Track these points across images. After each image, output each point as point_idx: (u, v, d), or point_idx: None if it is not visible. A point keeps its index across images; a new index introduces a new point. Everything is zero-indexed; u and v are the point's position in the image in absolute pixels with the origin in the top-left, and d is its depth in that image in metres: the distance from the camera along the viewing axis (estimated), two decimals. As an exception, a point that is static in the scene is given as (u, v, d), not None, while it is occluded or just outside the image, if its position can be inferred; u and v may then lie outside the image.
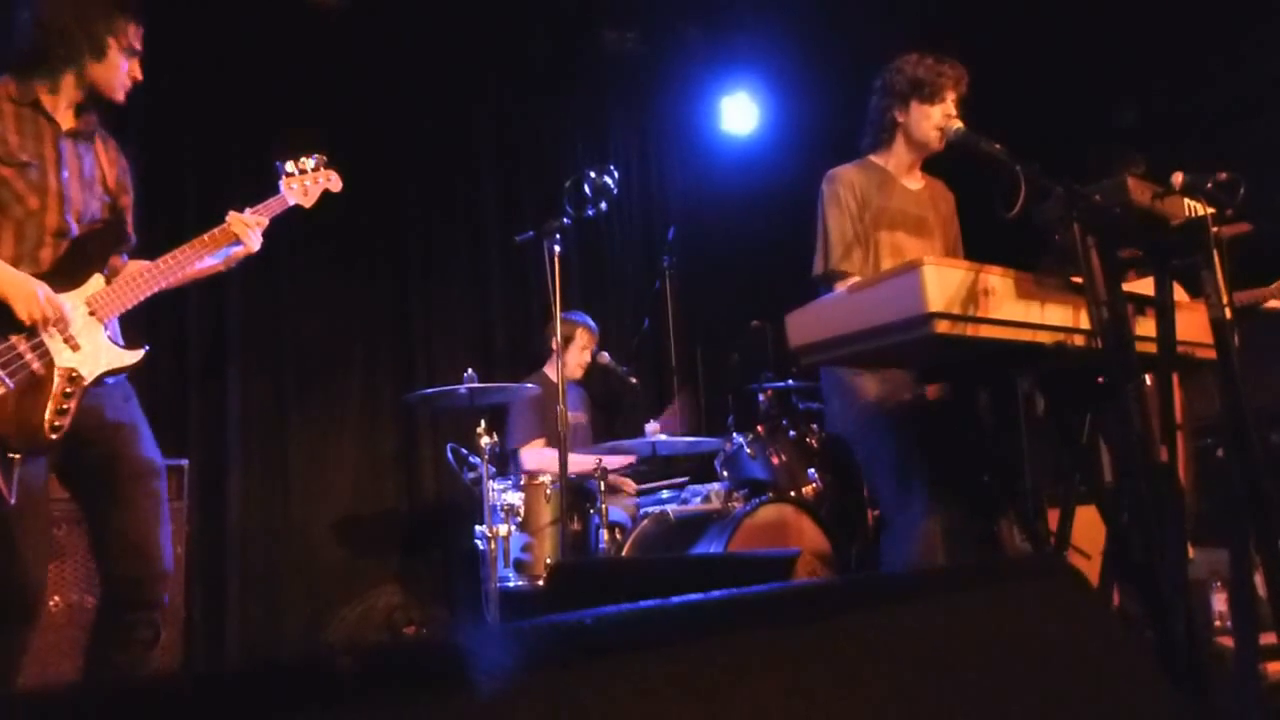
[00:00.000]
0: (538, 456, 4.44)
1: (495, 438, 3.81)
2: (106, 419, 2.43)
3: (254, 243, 2.66)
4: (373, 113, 5.01)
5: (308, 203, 2.83)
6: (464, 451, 4.18)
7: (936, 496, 2.77)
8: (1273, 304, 3.91)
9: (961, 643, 1.06)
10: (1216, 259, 2.14)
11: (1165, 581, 2.05)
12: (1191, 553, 3.39)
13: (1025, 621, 1.16)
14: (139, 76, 2.58)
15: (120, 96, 2.56)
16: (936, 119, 2.92)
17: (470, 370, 3.88)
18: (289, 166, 2.81)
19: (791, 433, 4.20)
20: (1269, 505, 2.15)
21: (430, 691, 0.64)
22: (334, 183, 2.88)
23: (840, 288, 2.82)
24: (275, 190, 2.78)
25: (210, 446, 4.38)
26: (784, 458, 4.12)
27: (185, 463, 3.72)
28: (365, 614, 4.56)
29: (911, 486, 2.79)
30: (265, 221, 2.69)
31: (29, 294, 2.29)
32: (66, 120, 2.50)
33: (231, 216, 2.65)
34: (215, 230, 2.62)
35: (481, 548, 3.86)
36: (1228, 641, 2.82)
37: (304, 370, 4.72)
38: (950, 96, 2.93)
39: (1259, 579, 2.17)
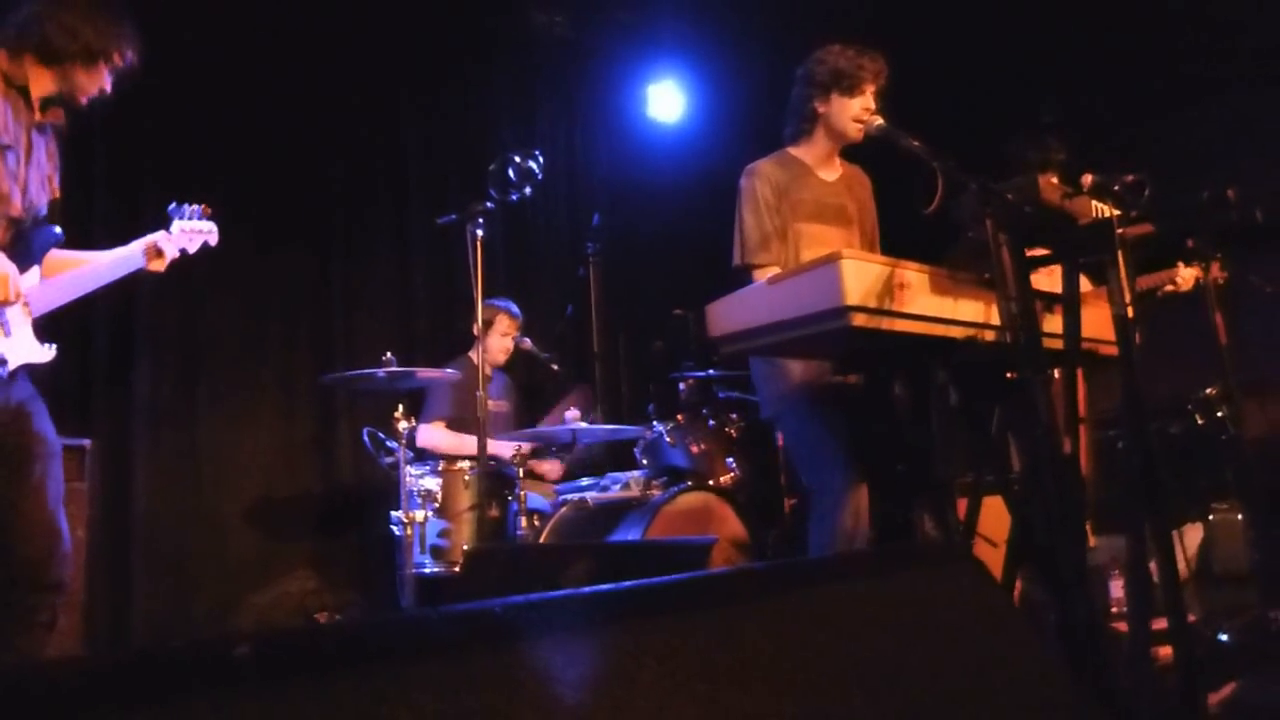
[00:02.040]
0: (430, 435, 4.40)
1: (413, 422, 3.77)
2: (10, 400, 2.42)
3: (161, 269, 2.72)
4: (294, 90, 4.89)
5: (192, 249, 2.85)
6: (381, 436, 4.12)
7: (857, 482, 2.83)
8: (1170, 288, 4.06)
9: (868, 627, 1.09)
10: (1121, 259, 2.22)
11: (1066, 568, 2.13)
12: (1092, 541, 3.52)
13: (930, 606, 1.20)
14: (107, 89, 2.61)
15: (83, 103, 2.59)
16: (855, 111, 2.97)
17: (389, 354, 3.83)
18: (181, 211, 2.83)
19: (711, 422, 4.23)
20: (1164, 495, 2.24)
21: (330, 678, 0.63)
22: (212, 237, 2.89)
23: (757, 279, 2.85)
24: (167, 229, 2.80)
25: (116, 427, 4.24)
26: (703, 446, 4.15)
27: (87, 443, 3.61)
28: (277, 600, 4.47)
29: (834, 471, 2.84)
30: (175, 252, 2.74)
31: (2, 276, 2.32)
32: (35, 110, 2.53)
33: (158, 238, 2.71)
34: (133, 247, 2.67)
35: (398, 533, 3.82)
36: (1124, 626, 2.93)
37: (216, 350, 4.60)
38: (869, 89, 2.98)
39: (1154, 566, 2.25)
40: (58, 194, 2.64)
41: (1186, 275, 4.05)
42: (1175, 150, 5.21)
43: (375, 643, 0.68)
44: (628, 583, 0.91)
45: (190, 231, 2.83)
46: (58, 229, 2.60)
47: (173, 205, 2.82)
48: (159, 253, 2.68)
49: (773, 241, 2.96)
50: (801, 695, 0.90)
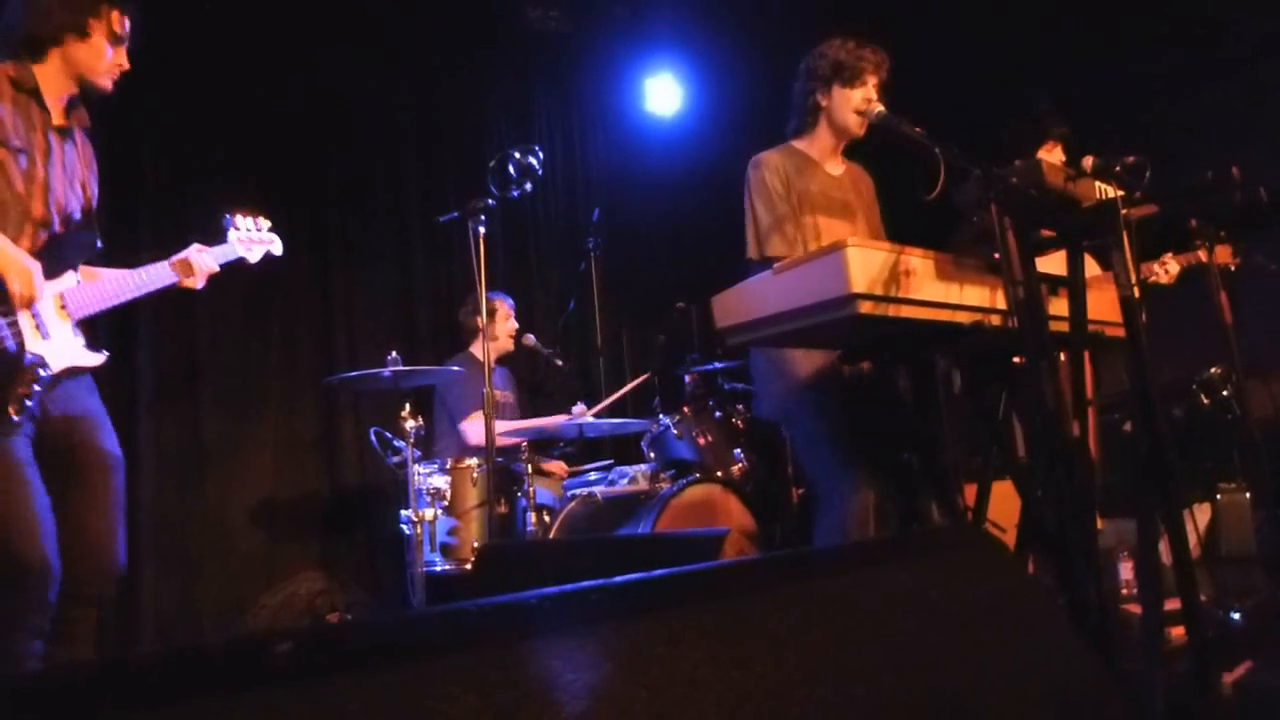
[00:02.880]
0: (479, 428, 4.38)
1: (420, 420, 3.77)
2: (72, 411, 2.43)
3: (200, 283, 2.75)
4: (293, 89, 4.89)
5: (252, 258, 2.97)
6: (388, 435, 4.13)
7: (866, 472, 2.83)
8: (1156, 279, 4.07)
9: (887, 612, 1.09)
10: (1125, 240, 2.22)
11: (1076, 551, 2.13)
12: (1100, 524, 3.53)
13: (947, 590, 1.20)
14: (125, 65, 2.59)
15: (107, 84, 2.57)
16: (857, 102, 2.97)
17: (394, 352, 3.83)
18: (238, 221, 2.95)
19: (717, 413, 4.24)
20: (1173, 477, 2.25)
21: (370, 675, 0.64)
22: (276, 246, 3.04)
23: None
24: (223, 240, 2.90)
25: (120, 429, 4.21)
26: (710, 438, 4.16)
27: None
28: (287, 601, 4.48)
29: (842, 463, 2.84)
30: (216, 268, 2.79)
31: (25, 271, 2.31)
32: (56, 113, 2.51)
33: (197, 247, 2.75)
34: (175, 261, 2.70)
35: (407, 532, 3.83)
36: (1135, 609, 2.94)
37: (219, 351, 4.59)
38: (871, 80, 2.98)
39: (1164, 548, 2.26)
40: (93, 199, 2.62)
41: (1172, 268, 4.07)
42: (1175, 132, 5.21)
43: (414, 638, 0.68)
44: (655, 571, 0.91)
45: (250, 241, 2.91)
46: (95, 235, 2.60)
47: (227, 216, 2.90)
48: (189, 268, 2.70)
49: (787, 228, 2.96)
50: (827, 680, 0.90)
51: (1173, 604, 2.30)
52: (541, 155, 3.88)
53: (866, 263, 2.08)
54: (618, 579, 0.85)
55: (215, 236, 2.92)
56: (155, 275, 2.64)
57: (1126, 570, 3.85)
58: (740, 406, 4.29)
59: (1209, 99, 5.30)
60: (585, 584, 0.82)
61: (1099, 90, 5.29)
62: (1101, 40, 5.42)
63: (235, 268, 3.16)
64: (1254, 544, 4.35)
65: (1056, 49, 5.46)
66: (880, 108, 2.88)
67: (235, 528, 4.52)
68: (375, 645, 0.66)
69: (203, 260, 2.73)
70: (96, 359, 2.50)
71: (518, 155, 3.82)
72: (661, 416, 4.25)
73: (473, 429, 4.37)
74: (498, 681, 0.68)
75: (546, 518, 3.96)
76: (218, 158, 4.63)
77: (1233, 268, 3.89)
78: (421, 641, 0.67)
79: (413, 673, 0.65)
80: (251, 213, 3.01)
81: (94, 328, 2.59)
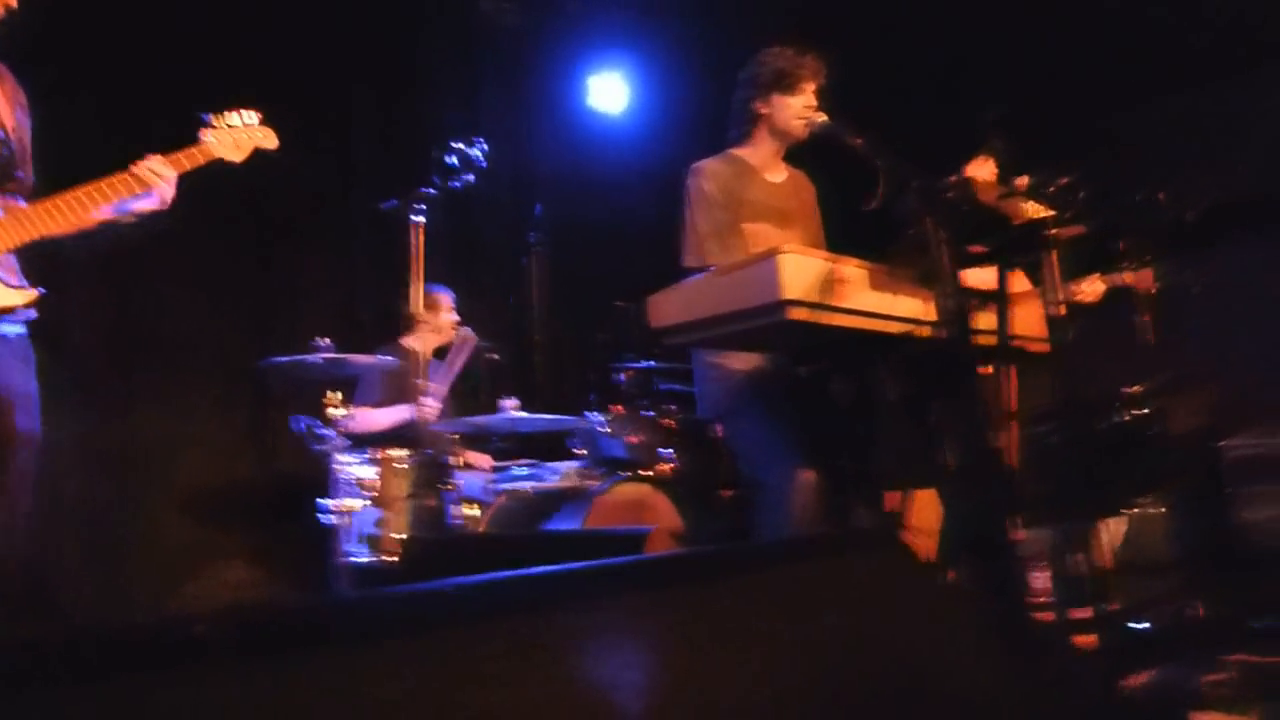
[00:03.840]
0: (364, 418, 4.35)
1: (348, 409, 3.73)
2: None
3: (165, 193, 2.46)
4: (235, 67, 4.79)
5: (239, 157, 2.68)
6: (314, 423, 4.07)
7: (807, 476, 2.87)
8: (1083, 297, 4.19)
9: (805, 611, 1.12)
10: (1054, 259, 2.29)
11: (995, 558, 2.19)
12: (1020, 533, 3.61)
13: (864, 589, 1.23)
14: (10, 2, 2.37)
15: None
16: (797, 109, 3.02)
17: (326, 339, 3.78)
18: (216, 119, 2.66)
19: (650, 413, 4.26)
20: (1090, 489, 2.33)
21: (291, 658, 0.64)
22: (269, 139, 2.76)
23: None
24: (194, 140, 2.57)
25: (44, 412, 4.11)
26: (641, 437, 4.18)
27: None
28: (211, 590, 4.40)
29: (784, 466, 2.88)
30: (174, 174, 2.50)
31: None
32: None
33: (137, 165, 2.45)
34: (117, 176, 2.41)
35: (330, 523, 3.78)
36: (1049, 616, 3.03)
37: (151, 334, 4.48)
38: (809, 87, 3.03)
39: (1080, 558, 2.33)
40: (27, 130, 2.42)
41: (1098, 288, 4.18)
42: (1118, 150, 5.35)
43: (334, 624, 0.68)
44: (572, 564, 0.93)
45: (235, 140, 2.57)
46: (22, 169, 2.39)
47: (204, 115, 2.60)
48: (134, 183, 2.41)
49: (725, 236, 2.99)
50: (744, 674, 0.93)
51: (1086, 612, 2.38)
52: (485, 147, 3.86)
53: (800, 270, 2.11)
54: (532, 569, 0.86)
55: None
56: (90, 197, 2.35)
57: (1044, 578, 3.95)
58: (673, 407, 4.32)
59: (1158, 114, 5.45)
60: (499, 574, 0.83)
61: (1043, 104, 5.41)
62: (1048, 55, 5.55)
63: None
64: (1166, 554, 4.50)
65: (1005, 58, 5.57)
66: (823, 117, 2.92)
67: (162, 515, 4.42)
68: (300, 629, 0.67)
69: (150, 171, 2.43)
70: (19, 297, 2.28)
71: (461, 146, 3.80)
72: (594, 414, 4.26)
73: (361, 417, 4.31)
74: (417, 669, 0.68)
75: (475, 512, 3.94)
76: (158, 133, 4.51)
77: (1153, 291, 4.02)
78: (343, 627, 0.68)
79: (334, 658, 0.66)
80: (236, 107, 2.68)
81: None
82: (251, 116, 2.73)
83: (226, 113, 2.68)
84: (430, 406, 4.09)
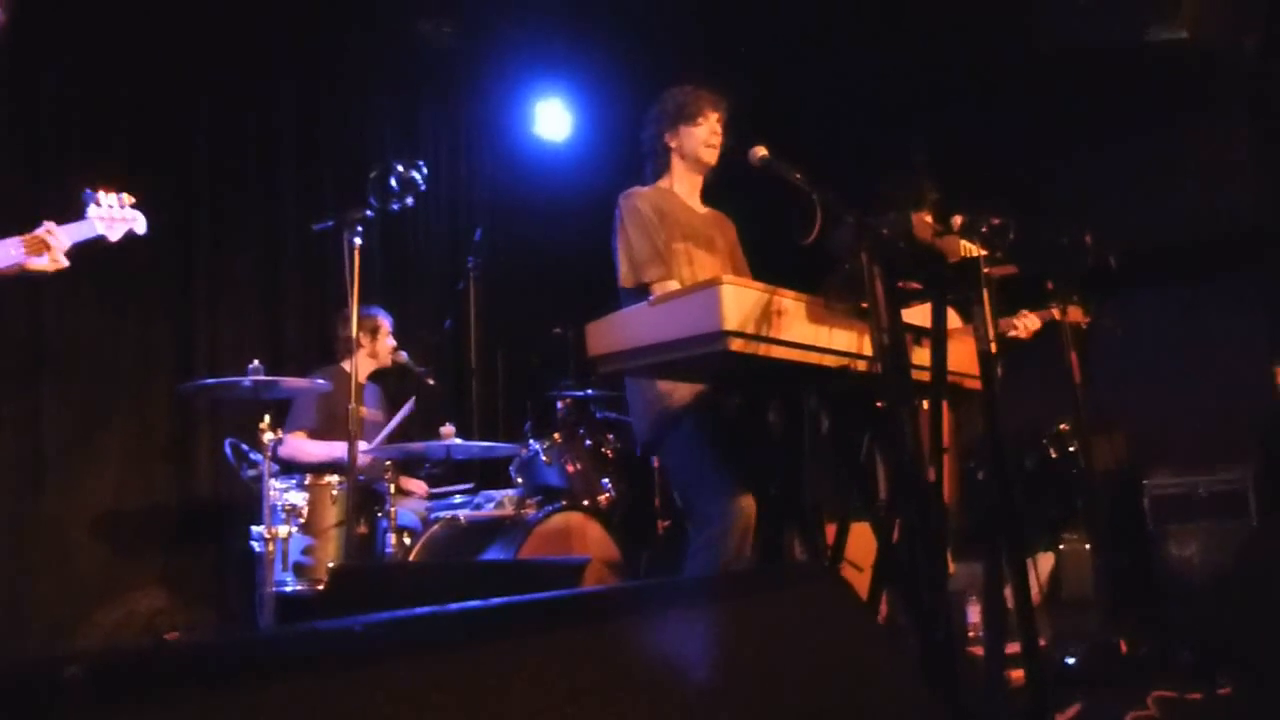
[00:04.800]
0: (292, 446, 4.28)
1: (279, 434, 3.64)
2: None
3: (62, 260, 2.60)
4: (162, 73, 4.70)
5: (113, 236, 2.82)
6: (244, 447, 3.97)
7: (742, 507, 2.86)
8: (1014, 333, 4.28)
9: (738, 646, 1.10)
10: (986, 297, 2.32)
11: (927, 592, 2.19)
12: (952, 567, 3.65)
13: (798, 625, 1.21)
14: None
15: None
16: (703, 136, 3.16)
17: (256, 361, 3.69)
18: (100, 197, 2.81)
19: (588, 441, 4.23)
20: (1019, 525, 2.35)
21: (170, 703, 0.59)
22: (139, 224, 2.90)
23: (656, 291, 2.89)
24: (81, 216, 2.74)
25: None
26: (579, 466, 4.15)
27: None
28: (125, 618, 4.23)
29: (719, 496, 2.87)
30: (68, 245, 2.64)
31: None
32: None
33: (49, 226, 2.58)
34: (29, 235, 2.53)
35: (258, 549, 3.68)
36: (980, 650, 3.05)
37: (66, 349, 4.32)
38: (712, 115, 3.17)
39: (1009, 592, 2.35)
40: None
41: (1031, 323, 4.27)
42: (1047, 195, 5.49)
43: (221, 663, 0.64)
44: (496, 600, 0.89)
45: (111, 218, 2.73)
46: None
47: (87, 190, 2.72)
48: (40, 245, 2.52)
49: (663, 255, 3.00)
50: (670, 715, 0.90)
51: (1014, 647, 2.39)
52: (425, 170, 3.82)
53: (739, 301, 2.11)
54: (454, 605, 0.83)
55: (72, 217, 2.76)
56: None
57: (975, 613, 3.99)
58: (611, 436, 4.30)
59: (1080, 162, 5.61)
60: (419, 610, 0.80)
61: (974, 148, 5.54)
62: (980, 100, 5.68)
63: (92, 254, 2.98)
64: (1092, 590, 4.58)
65: (935, 104, 5.70)
66: (763, 150, 2.95)
67: (74, 538, 4.24)
68: (178, 671, 0.62)
69: (56, 238, 2.57)
70: None
71: (400, 168, 3.76)
72: (531, 442, 4.22)
73: (288, 444, 4.24)
74: (317, 713, 0.64)
75: (408, 540, 3.88)
76: (77, 143, 4.39)
77: (1083, 325, 4.11)
78: (230, 667, 0.63)
79: (219, 701, 0.61)
80: (114, 188, 2.86)
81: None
82: (126, 199, 2.89)
83: (106, 192, 2.83)
84: (367, 454, 4.03)
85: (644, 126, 3.27)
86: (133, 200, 2.85)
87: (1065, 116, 5.58)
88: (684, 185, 3.24)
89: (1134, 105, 5.49)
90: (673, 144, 3.20)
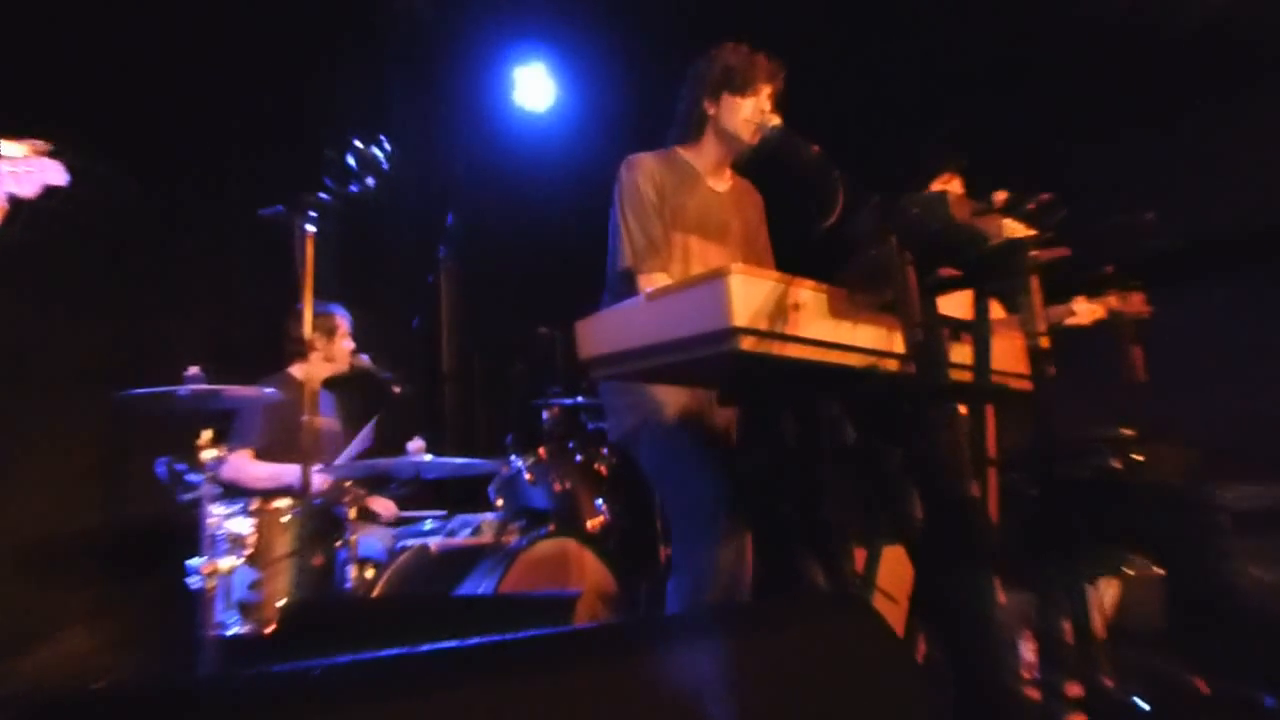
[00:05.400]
0: (235, 467, 4.29)
1: (221, 452, 3.65)
2: None
3: None
4: (93, 47, 4.71)
5: (25, 191, 2.75)
6: (180, 467, 3.97)
7: (736, 529, 2.87)
8: (1072, 320, 4.28)
9: (752, 689, 1.10)
10: (1034, 284, 2.32)
11: (971, 627, 2.20)
12: (1000, 597, 3.65)
13: (824, 664, 1.22)
14: None
15: None
16: (748, 112, 3.08)
17: (196, 368, 3.70)
18: (3, 147, 2.72)
19: (578, 457, 4.24)
20: (1077, 546, 2.35)
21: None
22: (56, 174, 2.79)
23: (644, 287, 2.89)
24: None
25: None
26: (569, 485, 4.16)
27: None
28: (47, 663, 4.25)
29: (708, 513, 2.88)
30: None
31: None
32: None
33: None
34: None
35: (197, 585, 3.68)
36: (1035, 694, 3.05)
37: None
38: (765, 90, 3.09)
39: (1068, 625, 2.35)
40: None
41: (1083, 309, 4.28)
42: (1090, 173, 5.48)
43: (156, 715, 0.65)
44: (475, 639, 0.90)
45: (18, 174, 2.66)
46: None
47: None
48: None
49: (662, 246, 3.01)
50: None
51: (1076, 688, 2.39)
52: (389, 147, 3.83)
53: (750, 293, 2.11)
54: (425, 647, 0.83)
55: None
56: None
57: (1028, 650, 3.99)
58: (605, 450, 4.30)
59: (1130, 142, 5.61)
60: (385, 652, 0.80)
61: (1009, 126, 5.54)
62: (1014, 71, 5.69)
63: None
64: (1164, 621, 4.57)
65: (966, 78, 5.70)
66: (776, 121, 2.96)
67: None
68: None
69: None
70: None
71: (360, 145, 3.78)
72: (513, 458, 4.22)
73: (230, 464, 4.24)
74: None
75: (371, 572, 3.88)
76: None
77: (1146, 316, 4.12)
78: (172, 719, 0.64)
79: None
80: (22, 136, 2.76)
81: None
82: (38, 146, 2.78)
83: (11, 141, 2.74)
84: (323, 474, 4.04)
85: (683, 84, 3.22)
86: (45, 147, 2.73)
87: (1102, 103, 5.59)
88: (709, 158, 3.22)
89: (1179, 88, 5.50)
90: (712, 112, 3.16)
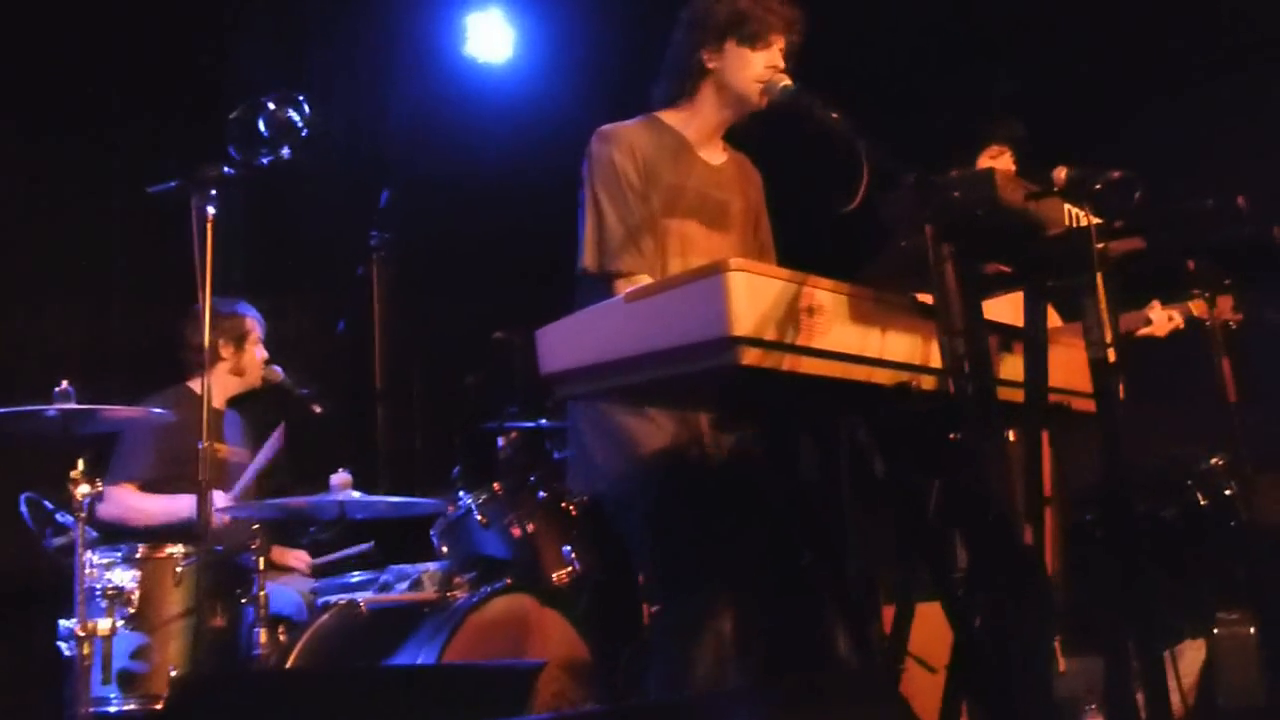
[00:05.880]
0: (117, 503, 4.29)
1: (99, 486, 3.64)
2: None
3: None
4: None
5: None
6: (48, 505, 3.97)
7: (732, 582, 2.88)
8: (1145, 330, 4.31)
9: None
10: (1101, 283, 2.34)
11: (1026, 701, 2.21)
12: (1061, 664, 3.68)
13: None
14: None
15: None
16: (758, 69, 3.05)
17: (65, 383, 3.69)
18: None
19: (542, 493, 4.23)
20: (1155, 602, 2.36)
21: None
22: None
23: (620, 291, 2.88)
24: None
25: None
26: (530, 528, 4.15)
27: None
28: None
29: (698, 567, 2.89)
30: None
31: None
32: None
33: None
34: None
35: (69, 652, 3.68)
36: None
37: None
38: (778, 43, 3.07)
39: (1141, 699, 2.37)
40: None
41: (1160, 318, 4.31)
42: (1158, 145, 5.52)
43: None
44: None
45: None
46: None
47: None
48: None
49: (643, 237, 3.00)
50: None
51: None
52: (308, 109, 3.84)
53: (754, 294, 2.11)
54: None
55: None
56: None
57: (1095, 726, 4.02)
58: (575, 485, 4.31)
59: (1203, 101, 5.65)
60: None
61: (1070, 86, 5.58)
62: (1076, 24, 5.73)
63: None
64: (1261, 690, 4.60)
65: (1020, 27, 5.73)
66: (787, 81, 2.97)
67: None
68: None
69: None
70: None
71: (272, 107, 3.78)
72: (462, 495, 4.22)
73: (111, 501, 4.24)
74: None
75: (284, 635, 3.89)
76: None
77: (1234, 324, 4.15)
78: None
79: None
80: None
81: None
82: None
83: None
84: (226, 512, 4.03)
85: (676, 28, 3.19)
86: None
87: (1194, 47, 5.64)
88: (704, 123, 3.20)
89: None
90: (713, 65, 3.11)
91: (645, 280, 2.91)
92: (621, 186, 3.03)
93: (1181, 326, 4.32)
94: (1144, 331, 4.31)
